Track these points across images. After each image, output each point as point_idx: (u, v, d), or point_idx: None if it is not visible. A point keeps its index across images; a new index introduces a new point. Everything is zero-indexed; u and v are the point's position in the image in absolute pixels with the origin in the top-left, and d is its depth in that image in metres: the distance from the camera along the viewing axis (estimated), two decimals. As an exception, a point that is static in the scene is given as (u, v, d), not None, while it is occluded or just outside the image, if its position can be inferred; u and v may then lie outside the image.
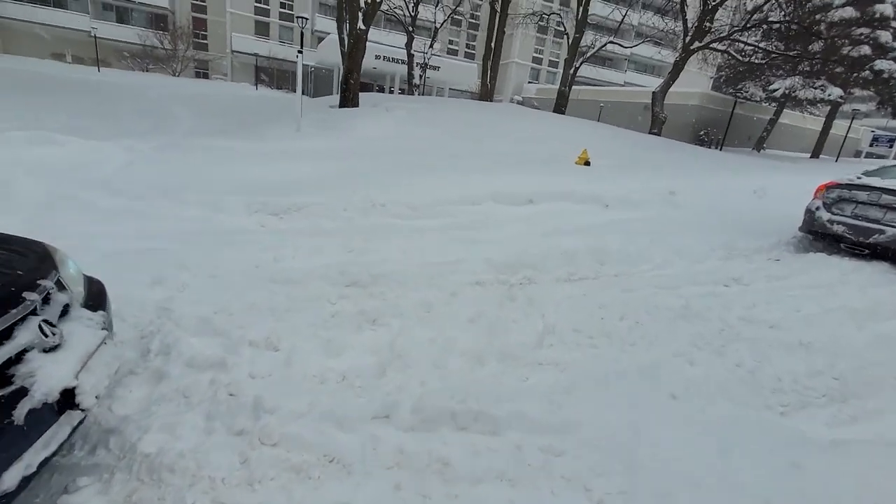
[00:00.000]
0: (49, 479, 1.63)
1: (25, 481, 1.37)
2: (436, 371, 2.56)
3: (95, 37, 29.68)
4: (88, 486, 1.61)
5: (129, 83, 18.83)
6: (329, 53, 23.70)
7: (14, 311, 1.44)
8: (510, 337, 3.00)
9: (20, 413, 1.33)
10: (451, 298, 3.50)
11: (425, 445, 2.03)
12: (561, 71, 24.69)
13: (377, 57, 26.13)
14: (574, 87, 22.66)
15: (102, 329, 1.74)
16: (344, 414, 2.11)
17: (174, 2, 36.74)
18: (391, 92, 28.67)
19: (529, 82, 44.95)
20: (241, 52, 36.46)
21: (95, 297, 1.95)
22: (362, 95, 14.26)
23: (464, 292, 3.64)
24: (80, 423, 1.58)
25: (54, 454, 1.47)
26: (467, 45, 46.48)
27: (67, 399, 1.49)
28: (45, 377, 1.41)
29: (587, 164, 9.61)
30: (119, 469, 1.69)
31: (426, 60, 25.89)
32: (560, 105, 21.04)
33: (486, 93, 20.96)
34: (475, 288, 3.79)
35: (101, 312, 1.82)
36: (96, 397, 1.57)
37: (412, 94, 24.37)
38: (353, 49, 12.46)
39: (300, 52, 9.48)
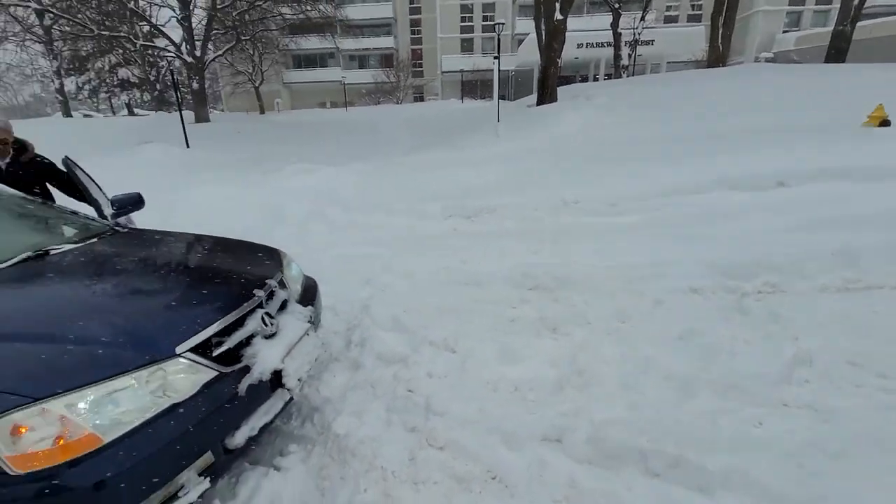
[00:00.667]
0: (273, 441, 2.03)
1: (251, 440, 1.72)
2: (624, 396, 2.14)
3: (344, 84, 38.01)
4: (295, 453, 1.94)
5: (365, 118, 23.30)
6: (529, 53, 24.02)
7: (246, 304, 1.84)
8: (737, 363, 2.27)
9: (244, 385, 1.67)
10: (655, 308, 2.92)
11: (603, 484, 1.70)
12: (836, 6, 18.27)
13: (579, 45, 25.04)
14: (859, 23, 16.38)
15: (308, 322, 2.07)
16: (512, 429, 1.95)
17: (397, 41, 44.00)
18: (595, 79, 26.99)
19: (785, 31, 35.20)
20: (448, 72, 40.84)
21: (309, 293, 2.36)
22: (562, 88, 13.80)
23: (672, 301, 2.98)
24: (290, 400, 1.91)
25: (272, 422, 1.81)
26: (692, 6, 39.74)
27: (278, 379, 1.82)
28: (262, 359, 1.75)
29: (885, 124, 6.75)
30: (318, 443, 1.98)
31: (636, 36, 23.35)
32: (837, 51, 15.57)
33: (717, 57, 17.41)
34: (688, 296, 3.06)
35: (309, 307, 2.18)
36: (298, 380, 1.87)
37: (620, 77, 22.32)
38: (550, 42, 12.16)
39: (496, 57, 9.83)
